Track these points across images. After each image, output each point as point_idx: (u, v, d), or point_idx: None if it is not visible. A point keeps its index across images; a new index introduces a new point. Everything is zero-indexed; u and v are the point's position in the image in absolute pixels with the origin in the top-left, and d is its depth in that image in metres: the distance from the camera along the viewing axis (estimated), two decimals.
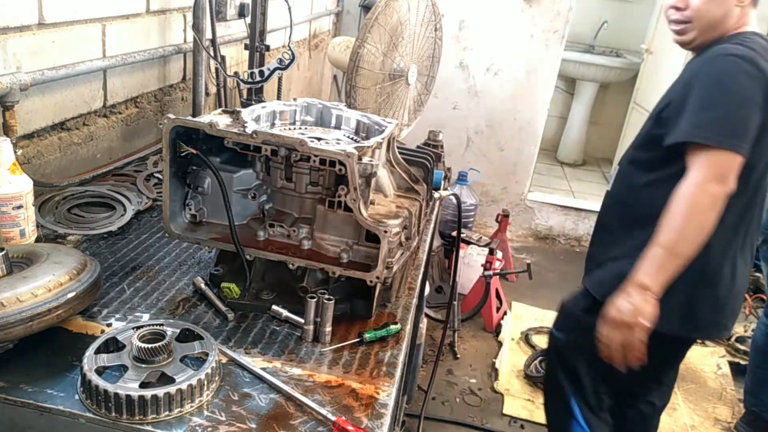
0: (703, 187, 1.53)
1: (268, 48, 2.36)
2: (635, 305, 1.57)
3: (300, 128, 1.45)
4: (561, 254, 4.60)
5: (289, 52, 1.96)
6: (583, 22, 5.67)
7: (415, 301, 1.41)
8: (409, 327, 1.30)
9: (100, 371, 0.94)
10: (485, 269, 3.50)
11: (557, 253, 4.61)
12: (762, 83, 1.55)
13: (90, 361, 0.95)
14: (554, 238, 4.77)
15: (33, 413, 0.92)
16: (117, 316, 1.17)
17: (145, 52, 1.93)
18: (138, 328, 1.01)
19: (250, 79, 2.06)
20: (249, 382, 1.03)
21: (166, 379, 0.96)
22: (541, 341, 3.30)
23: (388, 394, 1.05)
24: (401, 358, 1.17)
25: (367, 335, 1.19)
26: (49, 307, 0.98)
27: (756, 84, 1.55)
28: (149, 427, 0.90)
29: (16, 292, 0.96)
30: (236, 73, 2.10)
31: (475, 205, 4.19)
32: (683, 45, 1.73)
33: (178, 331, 1.05)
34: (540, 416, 2.66)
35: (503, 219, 4.05)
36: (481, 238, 3.82)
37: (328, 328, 1.17)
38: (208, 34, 2.07)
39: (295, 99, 1.50)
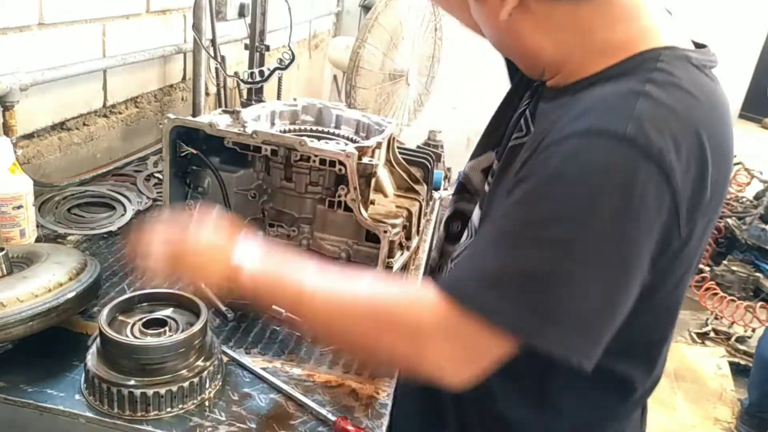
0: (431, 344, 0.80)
1: (268, 48, 2.36)
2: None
3: (300, 128, 1.45)
4: None
5: (289, 52, 1.96)
6: None
7: None
8: None
9: None
10: None
11: None
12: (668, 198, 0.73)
13: (93, 357, 0.95)
14: None
15: (33, 413, 0.92)
16: None
17: (145, 52, 1.93)
18: None
19: (250, 79, 2.06)
20: (249, 382, 1.03)
21: None
22: None
23: (388, 394, 1.05)
24: None
25: None
26: (49, 307, 0.98)
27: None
28: (150, 427, 0.90)
29: (16, 292, 0.96)
30: (236, 73, 2.10)
31: None
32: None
33: None
34: None
35: None
36: None
37: None
38: (208, 34, 2.07)
39: (295, 99, 1.50)
